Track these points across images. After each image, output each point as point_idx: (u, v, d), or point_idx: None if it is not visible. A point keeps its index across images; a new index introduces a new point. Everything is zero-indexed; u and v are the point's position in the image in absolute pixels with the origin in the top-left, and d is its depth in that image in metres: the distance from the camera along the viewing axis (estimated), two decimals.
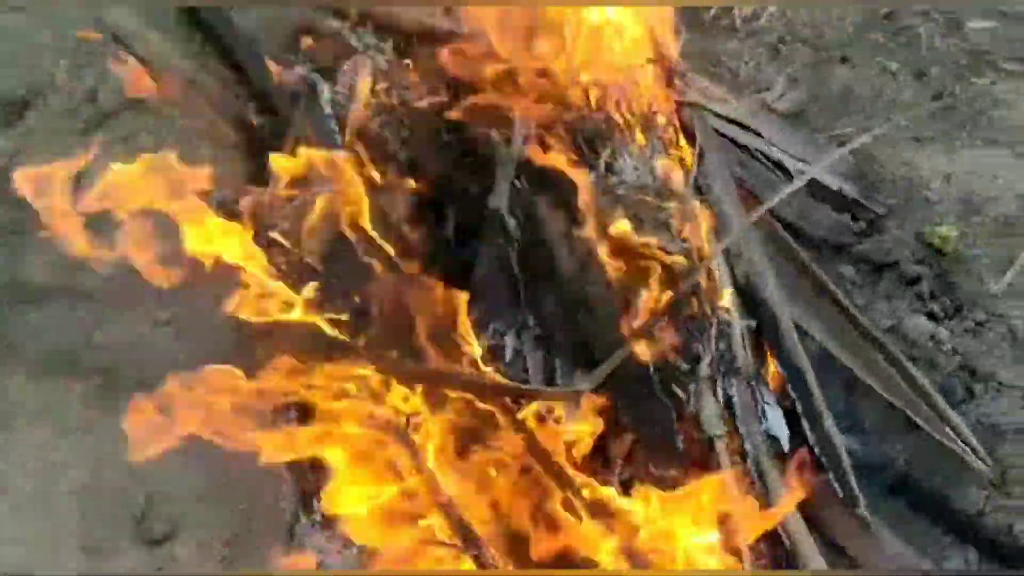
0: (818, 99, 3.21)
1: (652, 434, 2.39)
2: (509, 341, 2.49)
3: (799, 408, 2.51)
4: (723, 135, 2.96)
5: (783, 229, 2.85)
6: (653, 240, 2.49)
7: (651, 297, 2.44)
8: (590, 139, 2.68)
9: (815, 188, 2.94)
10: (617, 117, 2.73)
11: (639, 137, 2.72)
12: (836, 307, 2.72)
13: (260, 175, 2.70)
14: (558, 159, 2.64)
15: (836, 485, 2.43)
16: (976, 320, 2.79)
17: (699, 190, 2.72)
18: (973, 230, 2.96)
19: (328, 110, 2.78)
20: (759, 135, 2.98)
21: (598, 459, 2.44)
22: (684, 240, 2.53)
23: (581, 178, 2.53)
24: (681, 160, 2.75)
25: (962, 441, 2.50)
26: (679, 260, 2.47)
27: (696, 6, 3.34)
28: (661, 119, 2.78)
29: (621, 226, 2.46)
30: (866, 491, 2.45)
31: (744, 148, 2.95)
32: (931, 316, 2.79)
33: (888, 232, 2.93)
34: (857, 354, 2.64)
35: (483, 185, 2.72)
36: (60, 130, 2.91)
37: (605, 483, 2.30)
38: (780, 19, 3.36)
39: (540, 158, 2.67)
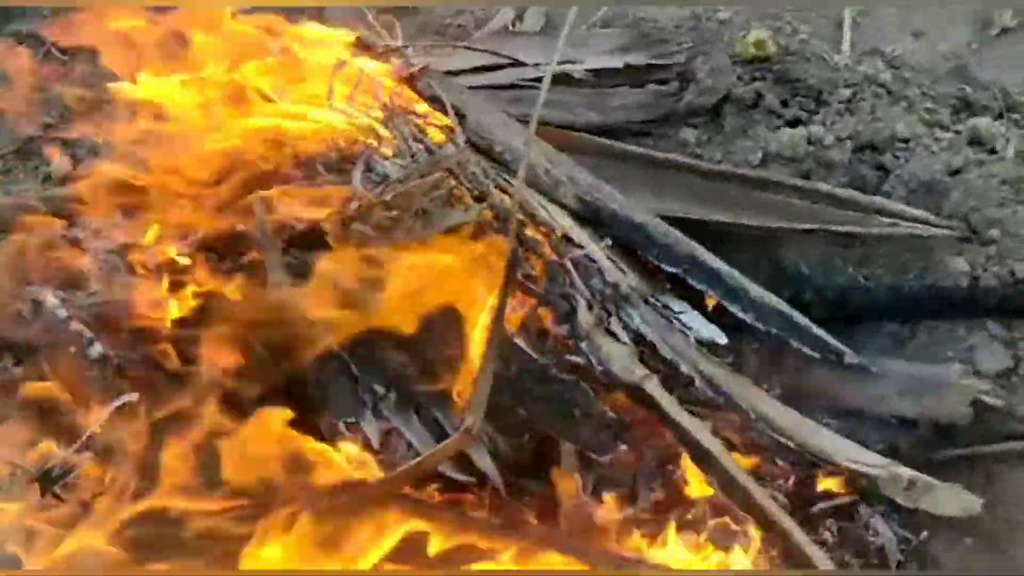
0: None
1: (580, 428, 1.88)
2: (369, 426, 1.99)
3: (717, 296, 2.04)
4: (476, 87, 2.53)
5: (595, 134, 2.42)
6: (455, 220, 2.03)
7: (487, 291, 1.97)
8: (334, 169, 2.24)
9: (607, 78, 2.51)
10: (347, 136, 2.29)
11: (384, 134, 2.28)
12: (686, 172, 2.29)
13: None
14: (312, 210, 2.19)
15: (804, 347, 1.95)
16: (840, 99, 2.36)
17: (477, 148, 2.27)
18: (782, 18, 2.57)
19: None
20: (514, 63, 2.56)
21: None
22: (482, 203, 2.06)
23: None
24: (447, 128, 2.31)
25: (902, 219, 2.05)
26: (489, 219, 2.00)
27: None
28: (397, 104, 2.34)
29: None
30: (842, 337, 1.99)
31: (506, 87, 2.52)
32: (796, 122, 2.35)
33: (700, 73, 2.49)
34: (737, 205, 2.19)
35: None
36: None
37: None
38: None
39: (296, 219, 2.21)
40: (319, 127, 2.35)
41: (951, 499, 1.70)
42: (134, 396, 1.88)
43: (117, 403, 1.88)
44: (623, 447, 1.87)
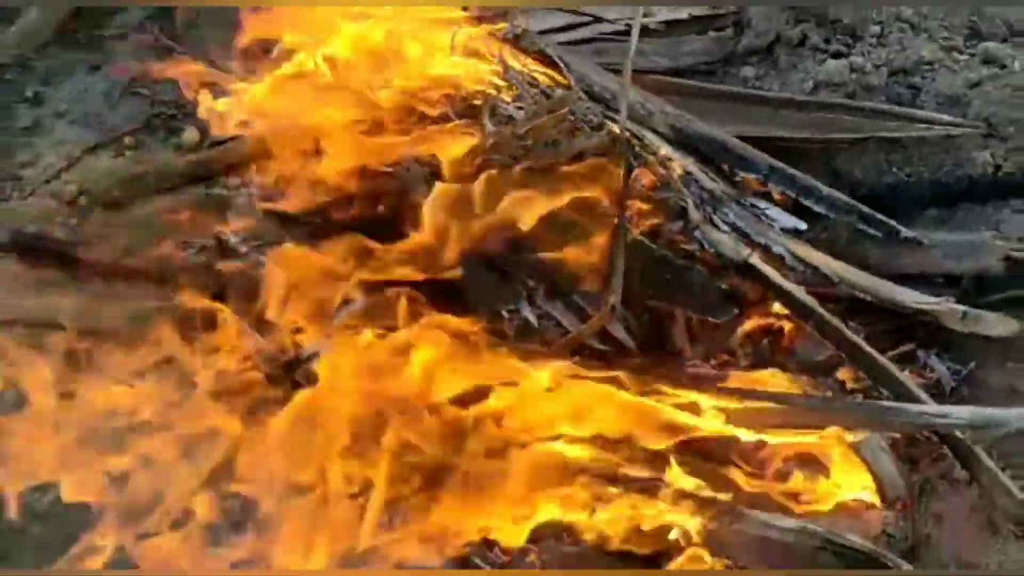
0: None
1: (699, 300, 2.40)
2: (526, 311, 2.49)
3: (794, 194, 2.55)
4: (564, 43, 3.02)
5: (668, 76, 2.92)
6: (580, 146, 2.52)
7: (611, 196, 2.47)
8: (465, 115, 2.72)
9: (670, 28, 3.01)
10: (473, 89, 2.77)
11: (501, 84, 2.76)
12: (751, 101, 2.80)
13: None
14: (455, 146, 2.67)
15: (868, 228, 2.47)
16: (873, 34, 2.87)
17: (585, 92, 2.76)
18: None
19: None
20: (588, 24, 3.05)
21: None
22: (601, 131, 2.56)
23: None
24: (552, 78, 2.79)
25: (936, 124, 2.57)
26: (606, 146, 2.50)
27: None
28: (509, 62, 2.82)
29: None
30: (898, 216, 2.51)
31: (589, 41, 3.02)
32: (838, 55, 2.86)
33: (753, 19, 2.99)
34: (797, 124, 2.70)
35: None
36: None
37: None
38: None
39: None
40: (447, 80, 2.83)
41: (996, 323, 2.22)
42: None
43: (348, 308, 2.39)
44: (735, 311, 2.39)
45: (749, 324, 2.47)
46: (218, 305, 2.59)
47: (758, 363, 2.48)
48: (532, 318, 2.45)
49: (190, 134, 3.50)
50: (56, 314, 3.05)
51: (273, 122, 2.90)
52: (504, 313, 2.46)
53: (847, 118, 2.68)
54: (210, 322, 2.65)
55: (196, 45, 3.72)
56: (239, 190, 3.15)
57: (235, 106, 3.16)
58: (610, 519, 2.10)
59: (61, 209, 3.35)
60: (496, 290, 2.50)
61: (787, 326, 2.47)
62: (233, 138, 3.12)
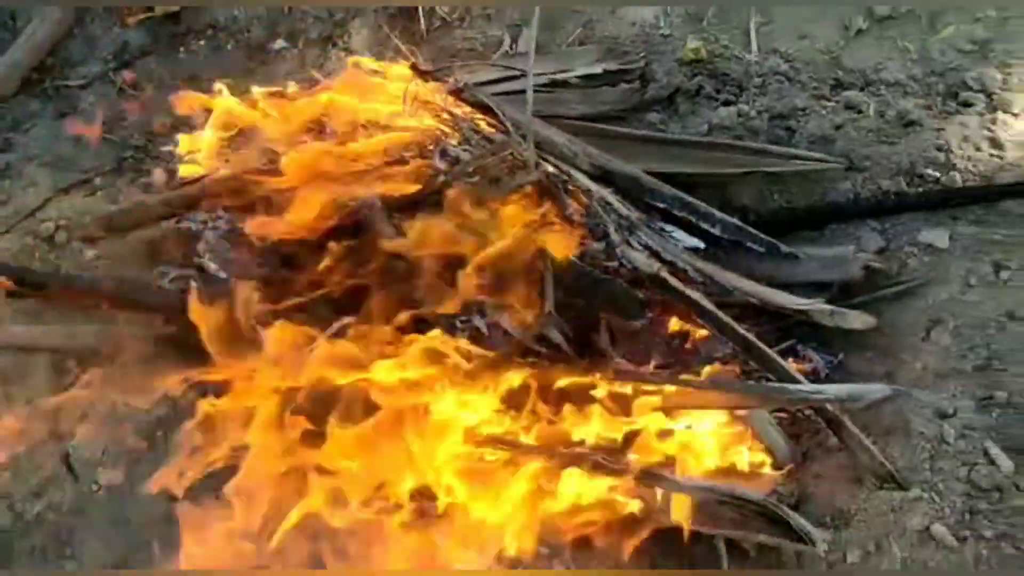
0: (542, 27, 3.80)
1: (619, 306, 2.89)
2: (477, 321, 2.95)
3: (694, 218, 3.08)
4: (500, 94, 3.51)
5: (586, 121, 3.43)
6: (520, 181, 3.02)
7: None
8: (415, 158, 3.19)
9: (586, 81, 3.54)
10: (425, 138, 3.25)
11: (452, 133, 3.24)
12: (658, 143, 3.34)
13: None
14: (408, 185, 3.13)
15: (754, 245, 3.01)
16: (756, 85, 3.42)
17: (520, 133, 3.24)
18: (708, 32, 3.62)
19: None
20: (518, 77, 3.55)
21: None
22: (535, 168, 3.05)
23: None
24: (491, 124, 3.28)
25: (809, 160, 3.13)
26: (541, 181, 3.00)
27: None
28: (453, 111, 3.30)
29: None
30: (778, 235, 3.06)
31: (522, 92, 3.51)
32: (728, 103, 3.41)
33: (657, 73, 3.53)
34: (696, 161, 3.24)
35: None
36: None
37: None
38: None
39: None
40: (399, 132, 3.30)
41: (856, 319, 2.77)
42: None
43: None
44: (648, 315, 2.89)
45: (662, 328, 2.99)
46: None
47: (669, 362, 3.00)
48: (483, 327, 2.91)
49: (159, 176, 3.87)
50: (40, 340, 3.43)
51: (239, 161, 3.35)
52: (458, 324, 2.94)
53: (736, 156, 3.22)
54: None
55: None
56: (206, 224, 3.55)
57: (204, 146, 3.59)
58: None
59: (39, 245, 3.69)
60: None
61: (693, 330, 3.00)
62: (200, 177, 3.52)
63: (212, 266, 3.25)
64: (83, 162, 3.99)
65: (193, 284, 3.05)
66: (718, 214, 3.07)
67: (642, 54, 3.60)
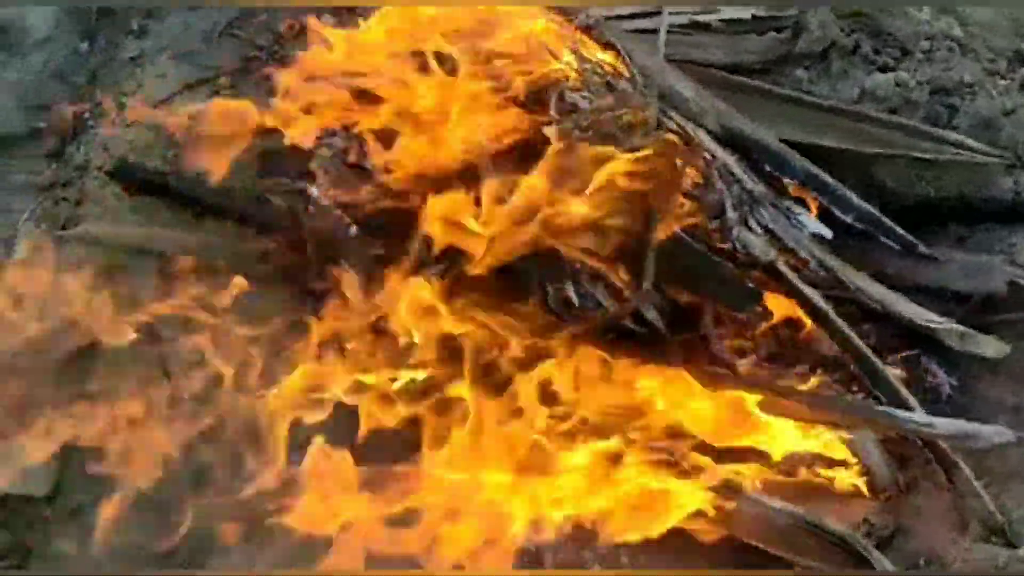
0: None
1: (728, 293, 2.65)
2: (570, 289, 2.76)
3: (825, 201, 2.78)
4: (634, 31, 3.23)
5: (726, 72, 3.13)
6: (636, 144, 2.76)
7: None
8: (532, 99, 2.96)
9: (731, 26, 3.21)
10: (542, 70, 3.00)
11: (572, 75, 3.00)
12: (802, 105, 3.00)
13: None
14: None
15: (889, 241, 2.70)
16: (922, 49, 3.04)
17: (645, 83, 2.98)
18: None
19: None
20: (657, 14, 3.25)
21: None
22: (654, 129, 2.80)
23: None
24: (615, 69, 3.02)
25: (966, 150, 2.76)
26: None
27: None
28: (580, 48, 3.05)
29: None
30: (917, 234, 2.73)
31: (656, 30, 3.22)
32: (885, 68, 3.04)
33: (811, 24, 3.17)
34: (842, 133, 2.91)
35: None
36: None
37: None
38: None
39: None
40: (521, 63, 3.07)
41: (989, 345, 2.46)
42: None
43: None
44: (759, 307, 2.65)
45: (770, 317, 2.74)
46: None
47: (776, 354, 2.76)
48: (574, 296, 2.73)
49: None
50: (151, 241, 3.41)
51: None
52: (550, 290, 2.75)
53: (886, 132, 2.88)
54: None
55: None
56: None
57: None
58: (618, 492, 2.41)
59: (159, 141, 3.66)
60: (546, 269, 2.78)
61: (807, 322, 2.74)
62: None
63: (314, 192, 3.14)
64: (210, 59, 3.93)
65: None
66: (855, 200, 2.76)
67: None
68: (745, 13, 3.21)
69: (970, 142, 2.78)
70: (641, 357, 2.65)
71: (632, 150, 2.74)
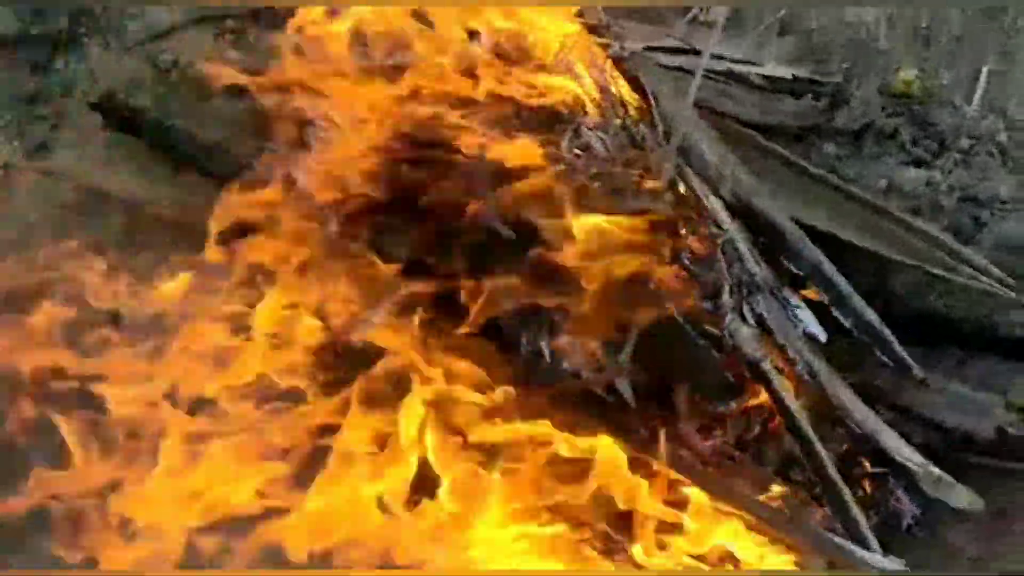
0: None
1: (704, 383, 2.52)
2: (543, 341, 2.62)
3: (827, 300, 2.63)
4: (669, 68, 3.04)
5: (755, 132, 2.95)
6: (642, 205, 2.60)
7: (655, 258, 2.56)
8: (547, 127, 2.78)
9: (769, 83, 3.02)
10: (563, 97, 2.82)
11: (591, 109, 2.82)
12: (828, 188, 2.83)
13: None
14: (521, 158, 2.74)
15: (885, 358, 2.56)
16: (961, 149, 2.87)
17: (666, 134, 2.81)
18: (932, 62, 3.04)
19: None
20: (698, 53, 3.05)
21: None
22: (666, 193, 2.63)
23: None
24: (640, 111, 2.84)
25: (984, 274, 2.61)
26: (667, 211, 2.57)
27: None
28: (607, 81, 2.86)
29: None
30: (914, 353, 2.59)
31: (692, 72, 3.03)
32: (919, 162, 2.87)
33: (853, 97, 3.00)
34: (862, 227, 2.74)
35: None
36: None
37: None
38: None
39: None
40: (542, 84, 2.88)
41: (963, 496, 2.34)
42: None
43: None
44: (732, 404, 2.51)
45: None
46: None
47: (744, 441, 2.63)
48: (546, 351, 2.58)
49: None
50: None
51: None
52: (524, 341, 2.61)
53: (906, 235, 2.72)
54: None
55: None
56: None
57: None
58: None
59: (151, 75, 3.45)
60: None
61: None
62: None
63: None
64: None
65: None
66: (859, 305, 2.60)
67: (845, 66, 3.06)
68: (787, 72, 3.04)
69: (991, 268, 2.62)
70: (604, 425, 2.53)
71: (638, 212, 2.60)
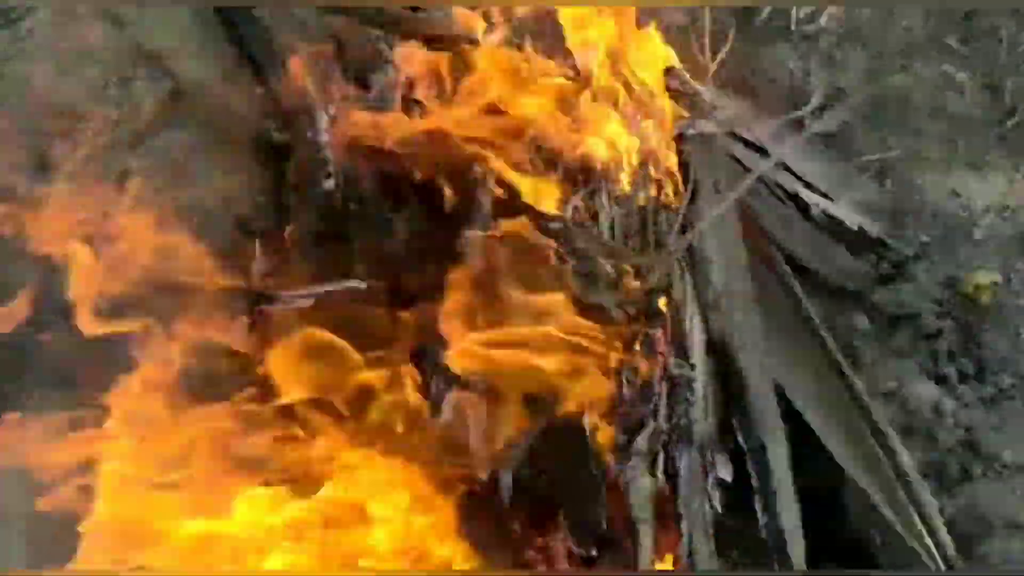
0: (866, 115, 2.88)
1: (577, 509, 2.32)
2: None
3: (754, 484, 2.37)
4: (739, 161, 2.74)
5: (791, 272, 2.64)
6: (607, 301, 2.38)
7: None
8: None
9: (833, 223, 2.70)
10: (602, 153, 2.59)
11: (623, 178, 2.57)
12: (830, 365, 2.52)
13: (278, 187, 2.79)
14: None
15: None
16: (999, 386, 2.52)
17: (682, 230, 2.54)
18: (1021, 278, 2.65)
19: (323, 137, 2.78)
20: (778, 162, 2.74)
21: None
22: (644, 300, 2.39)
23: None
24: (673, 197, 2.58)
25: (931, 536, 2.30)
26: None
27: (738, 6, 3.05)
28: (655, 154, 2.61)
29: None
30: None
31: (760, 178, 2.72)
32: (941, 380, 2.53)
33: (915, 277, 2.65)
34: (838, 423, 2.45)
35: None
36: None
37: None
38: (841, 20, 3.00)
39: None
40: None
41: None
42: None
43: None
44: (594, 553, 2.31)
45: None
46: None
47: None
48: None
49: None
50: None
51: None
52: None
53: (876, 453, 2.40)
54: None
55: None
56: None
57: None
58: None
59: None
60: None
61: None
62: None
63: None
64: None
65: None
66: (781, 508, 2.33)
67: (924, 240, 2.69)
68: (857, 221, 2.69)
69: (940, 531, 2.29)
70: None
71: (599, 309, 2.39)
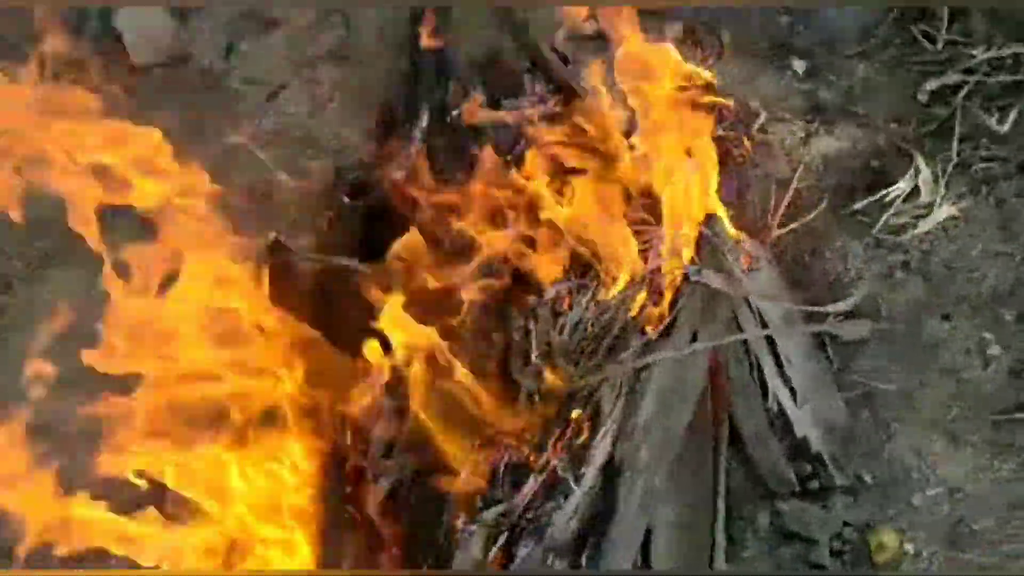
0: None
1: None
2: None
3: None
4: (738, 324, 2.81)
5: (727, 438, 2.72)
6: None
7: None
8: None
9: (783, 423, 2.74)
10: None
11: (617, 284, 2.72)
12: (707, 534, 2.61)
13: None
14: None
15: None
16: None
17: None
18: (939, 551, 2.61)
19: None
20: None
21: None
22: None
23: None
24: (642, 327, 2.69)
25: None
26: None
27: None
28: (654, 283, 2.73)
29: None
30: None
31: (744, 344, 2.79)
32: None
33: (831, 507, 2.66)
34: None
35: None
36: None
37: None
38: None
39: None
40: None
41: None
42: None
43: None
44: None
45: None
46: None
47: None
48: None
49: None
50: None
51: None
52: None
53: None
54: None
55: None
56: None
57: None
58: None
59: None
60: None
61: None
62: None
63: None
64: None
65: None
66: None
67: (864, 478, 2.70)
68: (805, 430, 2.73)
69: None
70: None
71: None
